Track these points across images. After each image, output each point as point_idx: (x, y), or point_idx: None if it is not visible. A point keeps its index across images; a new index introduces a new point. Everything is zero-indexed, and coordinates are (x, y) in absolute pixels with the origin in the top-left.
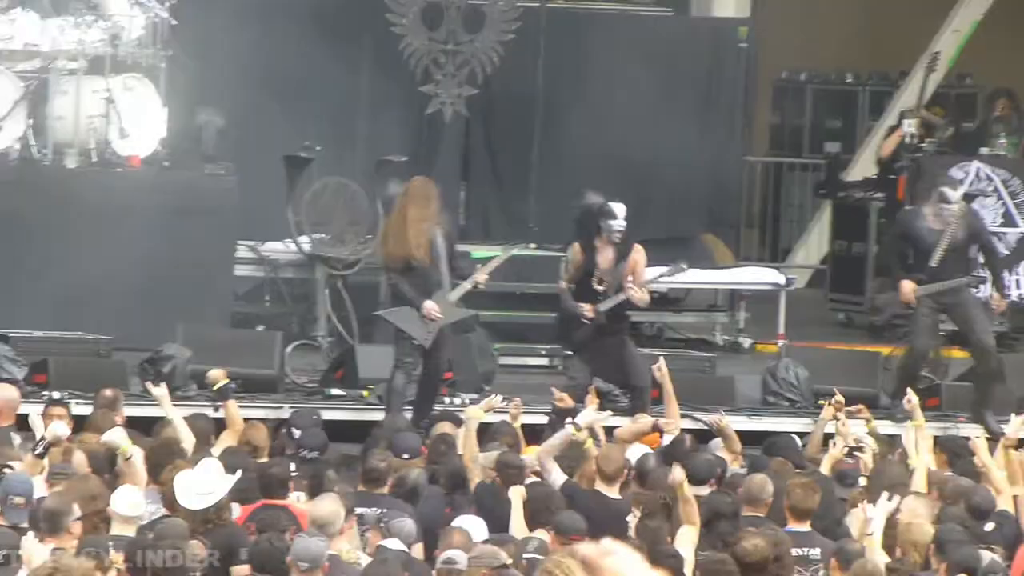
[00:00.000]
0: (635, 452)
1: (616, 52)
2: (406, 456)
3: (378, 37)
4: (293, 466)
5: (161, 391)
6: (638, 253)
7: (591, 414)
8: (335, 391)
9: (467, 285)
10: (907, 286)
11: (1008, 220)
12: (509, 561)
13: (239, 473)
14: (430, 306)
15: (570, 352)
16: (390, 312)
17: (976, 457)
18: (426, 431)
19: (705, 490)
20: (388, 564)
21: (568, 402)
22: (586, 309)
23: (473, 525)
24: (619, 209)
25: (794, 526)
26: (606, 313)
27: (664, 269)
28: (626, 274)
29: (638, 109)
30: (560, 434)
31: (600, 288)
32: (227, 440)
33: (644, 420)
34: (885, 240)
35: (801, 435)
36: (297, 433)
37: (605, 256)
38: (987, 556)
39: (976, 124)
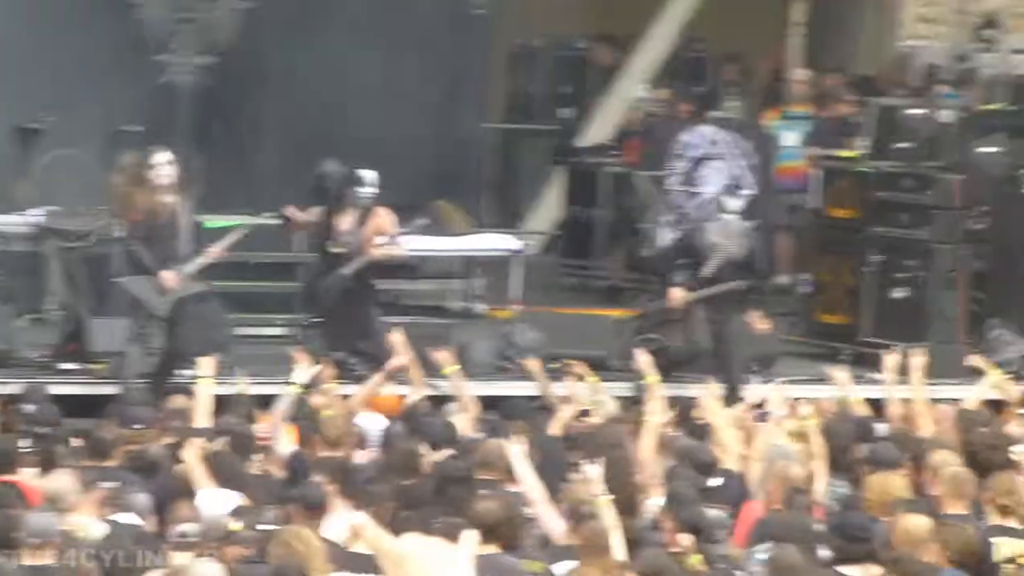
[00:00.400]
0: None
1: (353, 20)
2: (137, 427)
3: (112, 5)
4: (28, 442)
5: None
6: (379, 216)
7: (306, 372)
8: (68, 365)
9: (202, 259)
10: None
11: (738, 182)
12: (237, 528)
13: None
14: (167, 275)
15: (315, 319)
16: (128, 280)
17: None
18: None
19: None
20: (119, 538)
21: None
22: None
23: (219, 497)
24: (368, 176)
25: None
26: (351, 279)
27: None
28: (368, 237)
29: (375, 76)
30: (285, 398)
31: (337, 251)
32: None
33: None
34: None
35: (534, 399)
36: (29, 408)
37: (347, 220)
38: (712, 513)
39: (706, 88)
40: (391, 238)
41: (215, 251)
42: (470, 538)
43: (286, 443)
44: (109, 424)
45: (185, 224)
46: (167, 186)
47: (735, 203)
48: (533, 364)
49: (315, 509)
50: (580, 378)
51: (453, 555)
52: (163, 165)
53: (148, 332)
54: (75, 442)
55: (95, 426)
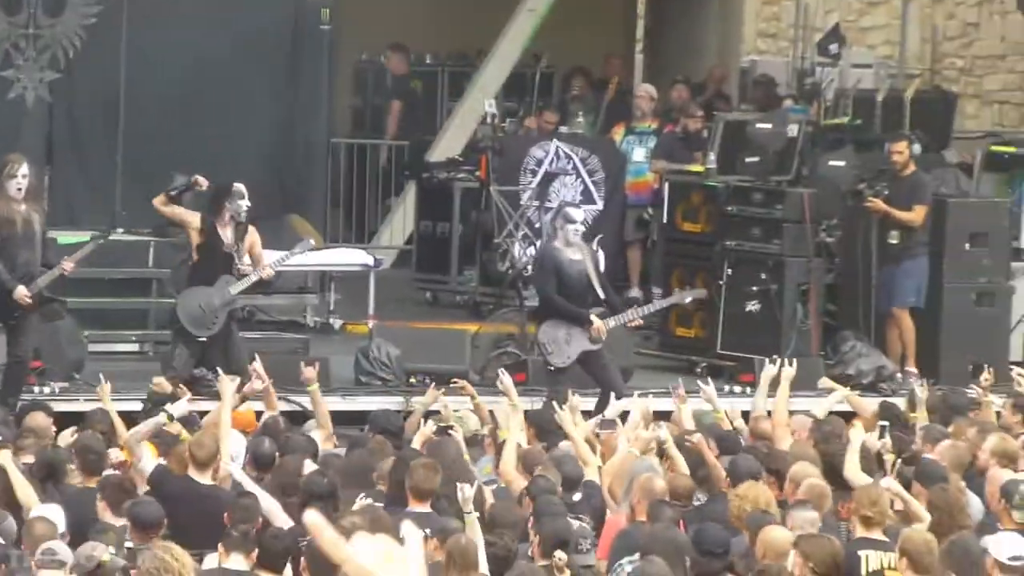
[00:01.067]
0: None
1: (198, 34)
2: None
3: None
4: None
5: None
6: (254, 234)
7: (183, 406)
8: None
9: (54, 273)
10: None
11: (587, 197)
12: (106, 558)
13: None
14: (21, 291)
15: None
16: None
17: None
18: (16, 421)
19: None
20: None
21: (166, 387)
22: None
23: (54, 514)
24: (244, 189)
25: (415, 507)
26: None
27: (293, 248)
28: (257, 256)
29: (223, 91)
30: (151, 420)
31: (241, 267)
32: None
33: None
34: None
35: (397, 412)
36: None
37: (226, 234)
38: (575, 524)
39: (555, 103)
40: (279, 260)
41: (65, 265)
42: (413, 532)
43: (148, 459)
44: None
45: (39, 236)
46: (23, 197)
47: (578, 213)
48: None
49: (150, 528)
50: (472, 397)
51: (405, 552)
52: (20, 177)
53: None
54: None
55: None
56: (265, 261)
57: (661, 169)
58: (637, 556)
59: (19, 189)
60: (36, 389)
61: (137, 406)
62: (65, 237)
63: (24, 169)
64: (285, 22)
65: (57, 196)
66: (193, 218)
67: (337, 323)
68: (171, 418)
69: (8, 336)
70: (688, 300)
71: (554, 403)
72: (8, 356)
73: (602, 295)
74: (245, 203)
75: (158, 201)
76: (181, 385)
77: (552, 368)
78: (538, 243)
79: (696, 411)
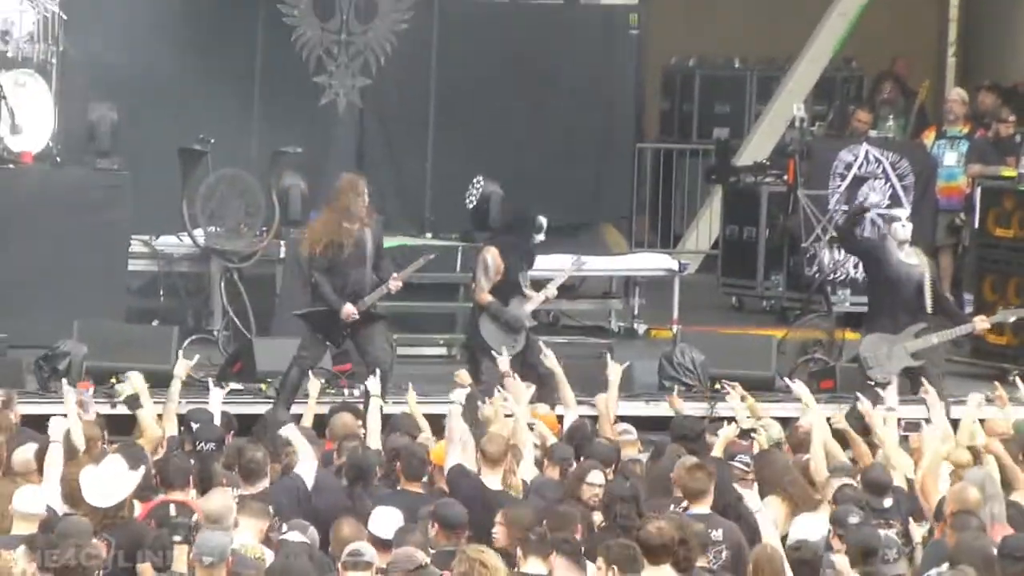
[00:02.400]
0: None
1: (509, 41)
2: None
3: (270, 28)
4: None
5: (68, 389)
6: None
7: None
8: (234, 384)
9: (383, 290)
10: None
11: (895, 201)
12: (426, 562)
13: (143, 469)
14: (349, 310)
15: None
16: (306, 314)
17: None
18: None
19: (600, 476)
20: (295, 558)
21: (466, 378)
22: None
23: (389, 517)
24: (544, 222)
25: (693, 508)
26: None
27: (567, 266)
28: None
29: (532, 97)
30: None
31: (524, 288)
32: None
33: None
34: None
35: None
36: (195, 427)
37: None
38: (883, 533)
39: (865, 107)
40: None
41: (394, 284)
42: None
43: (455, 456)
44: (255, 445)
45: (371, 252)
46: (356, 215)
47: (905, 232)
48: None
49: (457, 528)
50: (741, 398)
51: None
52: (366, 195)
53: (310, 355)
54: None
55: (245, 447)
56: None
57: (977, 173)
58: (946, 567)
59: (365, 206)
60: (345, 391)
61: (444, 409)
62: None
63: (366, 187)
64: (594, 28)
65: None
66: (496, 258)
67: (641, 328)
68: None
69: (358, 352)
70: (1012, 320)
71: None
72: (369, 366)
73: (930, 307)
74: (541, 237)
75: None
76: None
77: (872, 383)
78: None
79: (1018, 421)
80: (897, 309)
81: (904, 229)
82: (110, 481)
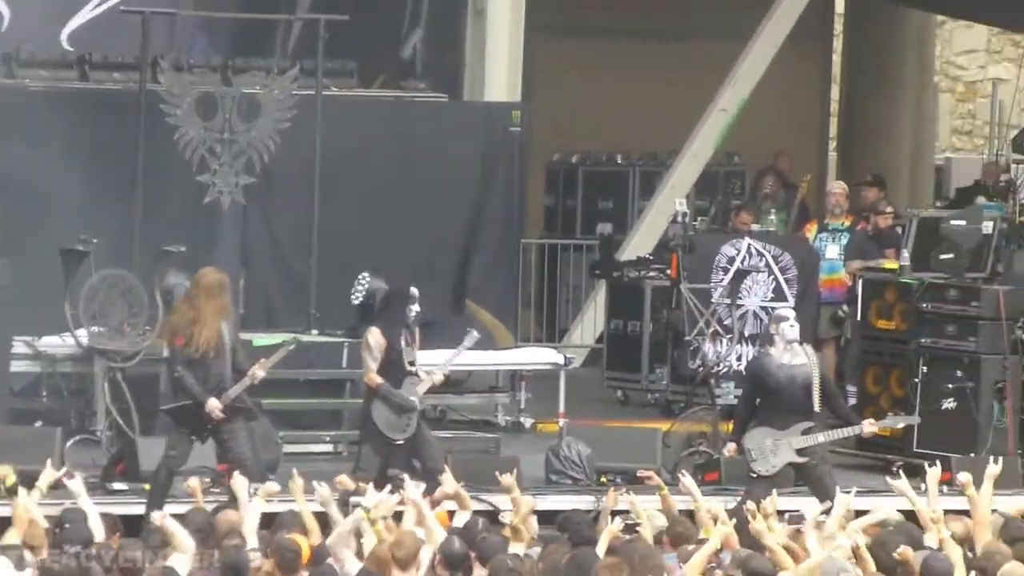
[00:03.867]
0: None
1: (392, 137)
2: None
3: (153, 128)
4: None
5: None
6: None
7: (379, 496)
8: (117, 485)
9: (245, 382)
10: None
11: (779, 295)
12: None
13: (29, 571)
14: (213, 404)
15: (362, 441)
16: (172, 409)
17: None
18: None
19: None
20: None
21: (349, 484)
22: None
23: None
24: (416, 292)
25: None
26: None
27: (461, 346)
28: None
29: (416, 193)
30: (350, 519)
31: (412, 369)
32: (12, 537)
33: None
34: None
35: (587, 512)
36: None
37: (405, 338)
38: None
39: (745, 201)
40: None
41: (257, 372)
42: None
43: (352, 563)
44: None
45: (229, 345)
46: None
47: (793, 332)
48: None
49: None
50: (660, 488)
51: None
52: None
53: (178, 454)
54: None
55: (125, 545)
56: (441, 360)
57: (856, 269)
58: None
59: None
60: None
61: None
62: (260, 339)
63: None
64: (477, 125)
65: (253, 299)
66: (378, 337)
67: (528, 422)
68: (368, 512)
69: (219, 448)
70: (900, 426)
71: (747, 507)
72: (233, 464)
73: (817, 404)
74: (416, 307)
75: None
76: (360, 484)
77: (754, 475)
78: (727, 340)
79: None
80: (783, 411)
81: (792, 329)
82: None
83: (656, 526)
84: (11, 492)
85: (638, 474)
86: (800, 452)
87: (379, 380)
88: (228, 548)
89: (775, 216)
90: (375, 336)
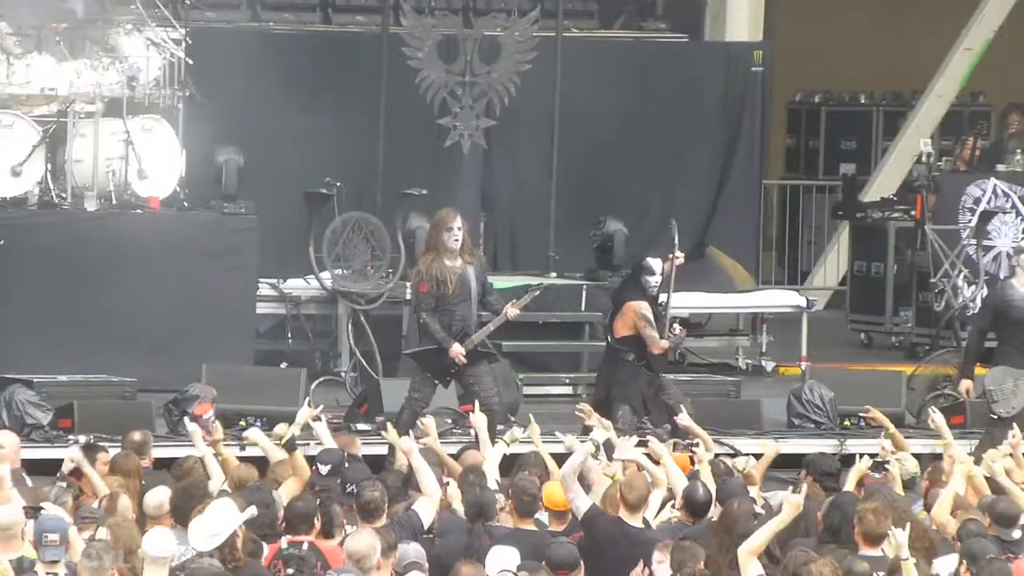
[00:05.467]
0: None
1: (632, 79)
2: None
3: (394, 70)
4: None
5: (193, 427)
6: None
7: (604, 434)
8: (361, 426)
9: (498, 321)
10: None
11: None
12: None
13: (251, 511)
14: (457, 350)
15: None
16: (416, 354)
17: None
18: None
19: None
20: None
21: (589, 414)
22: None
23: (505, 554)
24: (656, 265)
25: (867, 551)
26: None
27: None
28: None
29: (656, 135)
30: (579, 453)
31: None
32: (294, 488)
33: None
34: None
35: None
36: (324, 469)
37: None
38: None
39: (991, 141)
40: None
41: (511, 311)
42: None
43: (582, 498)
44: (373, 484)
45: (475, 289)
46: (459, 249)
47: None
48: None
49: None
50: (886, 431)
51: None
52: (456, 230)
53: (421, 397)
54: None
55: (364, 486)
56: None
57: None
58: None
59: (456, 241)
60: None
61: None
62: (501, 282)
63: (459, 222)
64: (718, 65)
65: (493, 241)
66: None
67: (769, 365)
68: (597, 446)
69: (464, 392)
70: None
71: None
72: (481, 407)
73: None
74: (655, 279)
75: None
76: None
77: (995, 416)
78: (977, 283)
79: None
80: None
81: None
82: (213, 524)
83: (908, 470)
84: (289, 447)
85: (860, 413)
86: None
87: (665, 345)
88: (472, 487)
89: (1021, 155)
90: (645, 308)
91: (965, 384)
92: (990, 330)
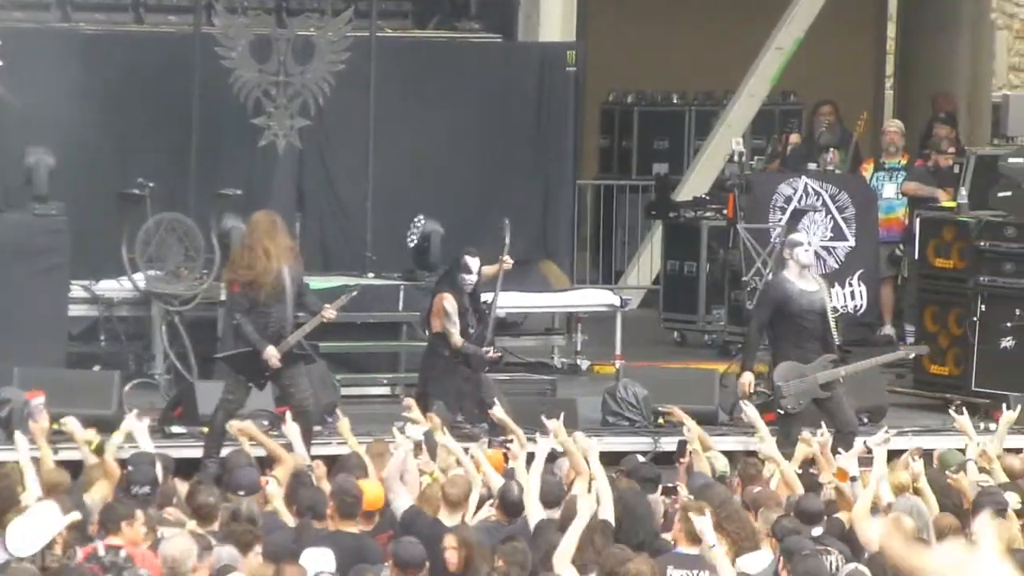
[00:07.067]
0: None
1: (446, 79)
2: (242, 493)
3: (207, 71)
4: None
5: (20, 438)
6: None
7: (421, 429)
8: (175, 428)
9: (314, 322)
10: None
11: (837, 234)
12: None
13: (74, 514)
14: (271, 352)
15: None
16: (228, 357)
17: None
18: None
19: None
20: None
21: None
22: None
23: (320, 557)
24: (474, 264)
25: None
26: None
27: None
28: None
29: (470, 136)
30: (399, 451)
31: (471, 331)
32: (104, 488)
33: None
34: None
35: (644, 454)
36: (131, 471)
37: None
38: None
39: (802, 139)
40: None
41: (328, 313)
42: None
43: (404, 498)
44: (208, 487)
45: (291, 290)
46: (271, 252)
47: (807, 256)
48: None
49: (412, 568)
50: (688, 430)
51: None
52: (274, 231)
53: (235, 399)
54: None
55: (199, 489)
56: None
57: (912, 191)
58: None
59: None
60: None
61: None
62: (317, 282)
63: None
64: (532, 65)
65: (309, 242)
66: (451, 303)
67: (584, 364)
68: (417, 443)
69: (280, 393)
70: (912, 356)
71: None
72: (294, 409)
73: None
74: (471, 277)
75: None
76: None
77: (782, 412)
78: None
79: (943, 453)
80: (806, 339)
81: (807, 254)
82: (33, 528)
83: (717, 468)
84: (99, 451)
85: (660, 408)
86: (823, 387)
87: (461, 341)
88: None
89: (833, 154)
90: (451, 303)
91: (746, 378)
92: (769, 324)
